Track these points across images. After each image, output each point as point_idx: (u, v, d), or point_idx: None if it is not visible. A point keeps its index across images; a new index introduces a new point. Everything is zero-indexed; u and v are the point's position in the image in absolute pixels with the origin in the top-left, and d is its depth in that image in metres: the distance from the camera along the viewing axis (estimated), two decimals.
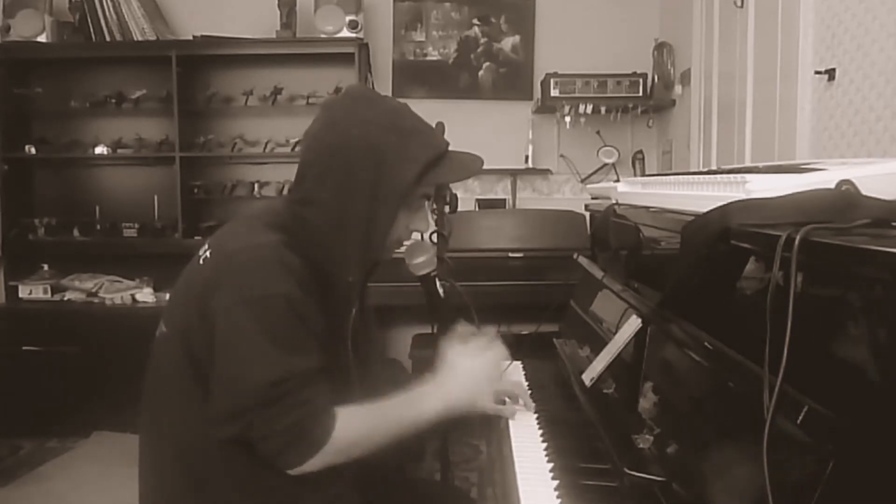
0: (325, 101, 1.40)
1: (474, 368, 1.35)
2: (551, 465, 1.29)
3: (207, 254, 1.24)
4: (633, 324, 1.39)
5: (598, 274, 1.89)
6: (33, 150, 3.69)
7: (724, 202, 1.04)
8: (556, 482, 1.23)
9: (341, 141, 1.23)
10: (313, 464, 1.15)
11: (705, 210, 1.07)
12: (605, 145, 3.71)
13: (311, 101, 3.62)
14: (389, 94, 3.69)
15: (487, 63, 3.89)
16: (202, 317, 1.17)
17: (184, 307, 1.23)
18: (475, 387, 1.34)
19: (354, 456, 1.22)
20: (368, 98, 1.33)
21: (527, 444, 1.40)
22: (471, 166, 1.32)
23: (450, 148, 1.32)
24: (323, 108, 1.31)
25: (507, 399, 1.59)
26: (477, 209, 3.72)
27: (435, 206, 1.90)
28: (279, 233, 1.21)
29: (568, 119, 3.61)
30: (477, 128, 3.60)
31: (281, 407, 1.12)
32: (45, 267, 3.72)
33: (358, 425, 1.21)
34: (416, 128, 1.27)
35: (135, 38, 3.63)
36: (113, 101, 3.67)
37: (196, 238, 3.56)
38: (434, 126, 1.38)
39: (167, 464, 1.24)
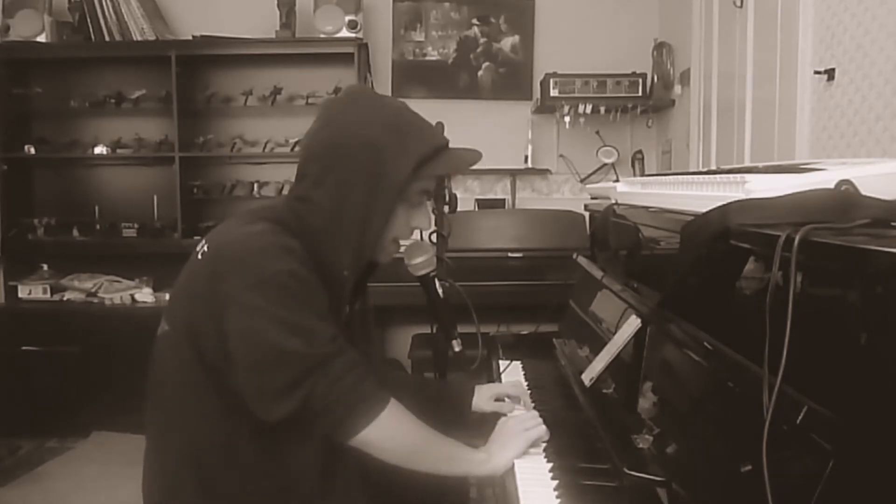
0: (325, 101, 1.42)
1: (516, 440, 1.36)
2: (551, 464, 1.29)
3: (205, 248, 1.25)
4: (633, 324, 1.39)
5: (598, 274, 1.89)
6: (33, 150, 3.69)
7: (724, 202, 1.04)
8: (555, 482, 1.23)
9: (339, 139, 1.24)
10: (367, 433, 1.15)
11: (705, 210, 1.07)
12: (605, 145, 3.71)
13: (310, 101, 3.61)
14: (389, 94, 3.69)
15: (487, 63, 3.89)
16: (208, 310, 1.17)
17: (187, 303, 1.23)
18: (511, 451, 1.34)
19: (395, 452, 1.21)
20: (367, 97, 1.36)
21: None
22: (468, 158, 1.33)
23: (449, 146, 1.32)
24: (322, 109, 1.33)
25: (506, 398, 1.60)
26: (476, 209, 3.71)
27: (435, 206, 1.90)
28: (274, 224, 1.22)
29: (567, 119, 3.60)
30: (476, 128, 3.59)
31: (330, 371, 1.13)
32: (45, 267, 3.72)
33: (410, 420, 1.22)
34: (413, 124, 1.29)
35: (134, 38, 3.63)
36: (112, 101, 3.67)
37: (195, 238, 3.55)
38: (433, 125, 1.39)
39: (175, 462, 1.24)
